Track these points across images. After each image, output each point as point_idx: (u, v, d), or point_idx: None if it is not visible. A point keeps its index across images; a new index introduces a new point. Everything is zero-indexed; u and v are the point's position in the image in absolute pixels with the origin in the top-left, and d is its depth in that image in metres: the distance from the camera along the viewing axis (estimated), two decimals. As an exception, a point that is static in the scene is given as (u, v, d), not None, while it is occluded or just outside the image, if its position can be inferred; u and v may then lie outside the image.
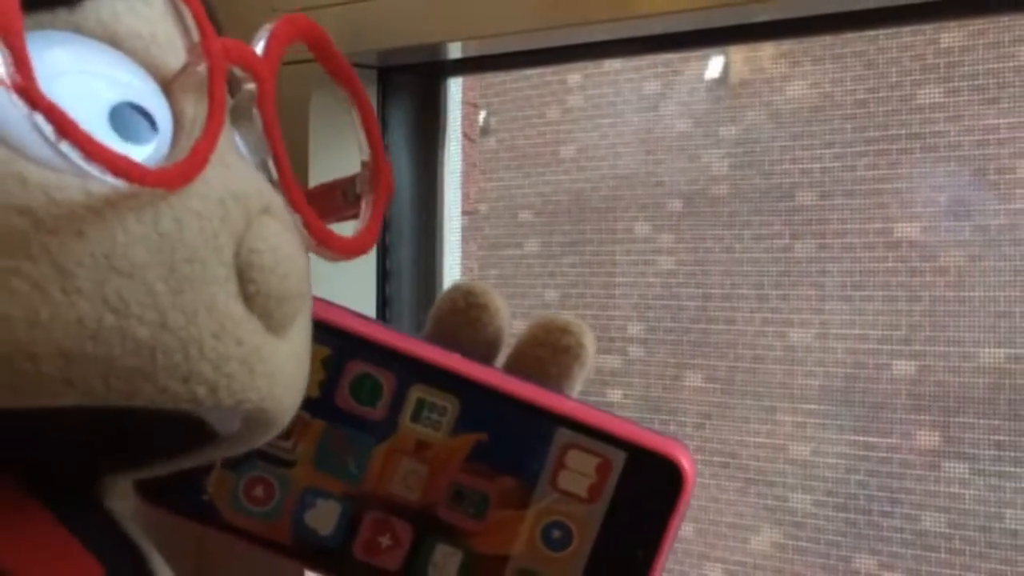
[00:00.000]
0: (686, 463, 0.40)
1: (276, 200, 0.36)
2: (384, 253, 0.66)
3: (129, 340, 0.31)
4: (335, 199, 0.43)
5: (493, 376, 0.41)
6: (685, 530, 1.57)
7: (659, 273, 1.63)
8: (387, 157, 0.43)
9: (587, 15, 0.54)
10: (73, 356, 0.30)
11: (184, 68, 0.35)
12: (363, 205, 0.42)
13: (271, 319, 0.34)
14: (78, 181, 0.31)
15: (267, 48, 0.38)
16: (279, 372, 0.35)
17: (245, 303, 0.33)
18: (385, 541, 0.41)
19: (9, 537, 0.34)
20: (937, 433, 1.30)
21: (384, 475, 0.41)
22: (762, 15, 0.53)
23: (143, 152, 0.33)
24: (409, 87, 0.67)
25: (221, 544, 0.42)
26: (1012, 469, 1.22)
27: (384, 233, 0.66)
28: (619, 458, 0.40)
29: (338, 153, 0.62)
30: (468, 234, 1.63)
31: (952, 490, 1.28)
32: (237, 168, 0.35)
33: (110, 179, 0.31)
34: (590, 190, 1.72)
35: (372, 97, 0.66)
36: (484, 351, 0.43)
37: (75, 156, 0.30)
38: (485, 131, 1.87)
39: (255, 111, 0.37)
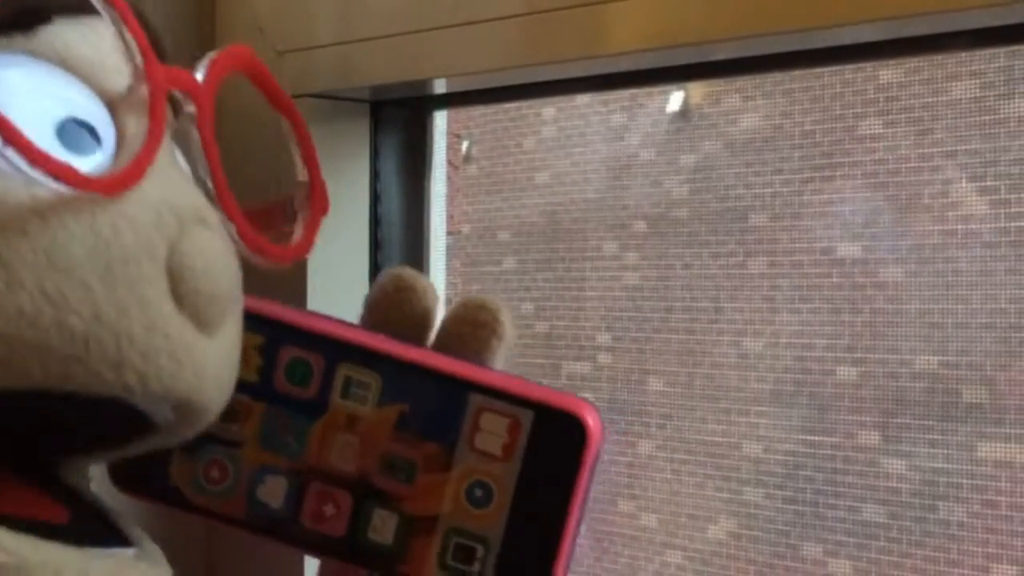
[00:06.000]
0: (591, 420, 0.39)
1: (211, 213, 0.36)
2: (375, 271, 0.66)
3: (65, 330, 0.31)
4: (272, 216, 0.42)
5: (410, 351, 0.41)
6: (648, 519, 1.57)
7: (625, 288, 1.63)
8: (322, 178, 0.42)
9: (560, 54, 0.54)
10: (13, 341, 0.31)
11: (128, 90, 0.35)
12: (298, 223, 0.42)
13: (200, 318, 0.34)
14: (24, 186, 0.31)
15: (207, 75, 0.38)
16: (206, 368, 0.35)
17: (176, 302, 0.34)
18: (329, 510, 0.41)
19: None
20: (877, 432, 1.30)
21: (322, 449, 0.41)
22: (719, 54, 0.53)
23: (86, 163, 0.34)
24: (399, 119, 0.67)
25: (231, 543, 0.42)
26: (944, 465, 1.22)
27: (375, 252, 0.66)
28: (527, 417, 0.39)
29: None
30: (452, 253, 1.63)
31: (891, 484, 1.28)
32: (175, 183, 0.36)
33: (53, 184, 0.32)
34: (562, 212, 1.72)
35: (365, 129, 0.66)
36: (415, 330, 0.43)
37: (20, 162, 0.31)
38: (467, 159, 1.86)
39: (194, 131, 0.37)
